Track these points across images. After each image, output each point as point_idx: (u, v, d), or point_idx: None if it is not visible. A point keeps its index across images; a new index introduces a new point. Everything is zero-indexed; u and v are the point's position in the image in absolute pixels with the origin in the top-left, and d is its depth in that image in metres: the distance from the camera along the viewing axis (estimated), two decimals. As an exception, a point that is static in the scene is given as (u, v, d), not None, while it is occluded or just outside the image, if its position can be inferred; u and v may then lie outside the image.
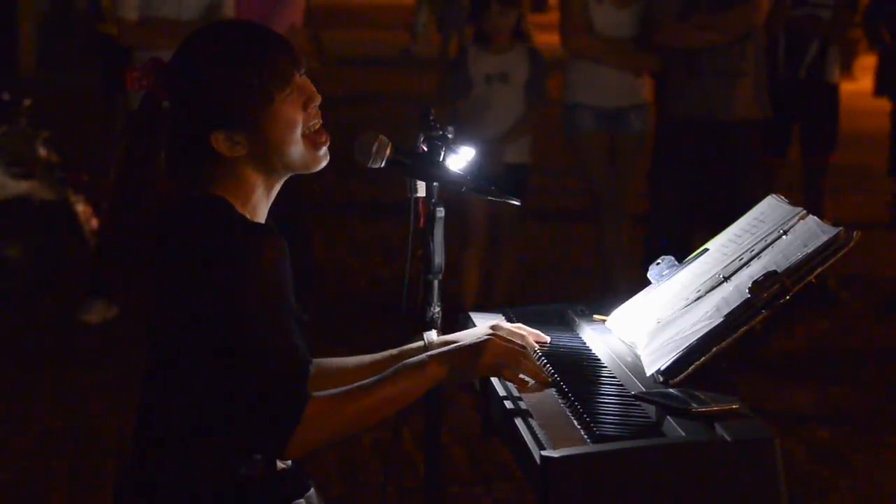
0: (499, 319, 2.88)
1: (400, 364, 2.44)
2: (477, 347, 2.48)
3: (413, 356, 2.62)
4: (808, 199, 7.30)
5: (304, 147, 2.42)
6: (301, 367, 2.31)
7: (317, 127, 2.44)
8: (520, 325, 2.73)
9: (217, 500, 2.36)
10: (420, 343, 2.65)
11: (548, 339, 2.72)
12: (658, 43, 6.27)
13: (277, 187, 2.47)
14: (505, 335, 2.58)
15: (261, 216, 2.45)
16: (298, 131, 2.41)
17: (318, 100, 2.44)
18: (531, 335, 2.70)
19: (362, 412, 2.38)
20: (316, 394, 2.32)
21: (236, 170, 2.41)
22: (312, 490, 2.48)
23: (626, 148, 6.53)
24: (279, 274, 2.31)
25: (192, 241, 2.34)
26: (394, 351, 2.69)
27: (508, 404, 2.48)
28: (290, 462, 2.43)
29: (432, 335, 2.65)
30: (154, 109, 2.41)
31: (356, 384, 2.39)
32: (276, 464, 2.39)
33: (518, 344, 2.54)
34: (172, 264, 2.36)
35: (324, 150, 2.45)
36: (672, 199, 6.32)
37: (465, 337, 2.65)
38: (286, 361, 2.29)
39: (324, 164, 2.48)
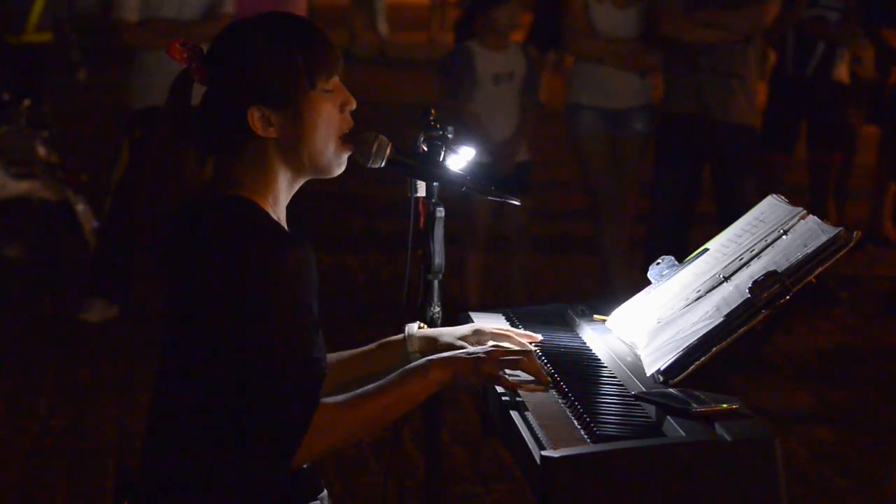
0: (499, 319, 2.89)
1: (403, 369, 2.44)
2: (478, 357, 2.46)
3: (393, 349, 2.65)
4: (813, 197, 7.31)
5: (334, 149, 2.43)
6: (315, 378, 2.30)
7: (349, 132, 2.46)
8: (504, 327, 2.74)
9: (233, 501, 2.36)
10: (400, 336, 2.66)
11: (539, 336, 2.72)
12: (662, 35, 6.27)
13: (295, 188, 2.47)
14: (489, 338, 2.60)
15: (281, 214, 2.44)
16: (333, 129, 2.42)
17: (354, 105, 2.46)
18: (520, 336, 2.70)
19: (367, 418, 2.37)
20: (322, 401, 2.31)
21: (263, 156, 2.40)
22: (326, 492, 2.48)
23: (627, 149, 6.54)
24: (303, 282, 2.30)
25: (216, 243, 2.33)
26: (373, 346, 2.70)
27: (508, 404, 2.48)
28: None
29: (413, 327, 2.66)
30: (186, 88, 2.41)
31: (360, 391, 2.38)
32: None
33: (515, 351, 2.52)
34: (194, 265, 2.35)
35: (346, 156, 2.47)
36: (669, 195, 6.32)
37: (446, 333, 2.66)
38: (302, 372, 2.28)
39: (341, 171, 2.48)
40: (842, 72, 7.31)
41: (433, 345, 2.63)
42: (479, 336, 2.65)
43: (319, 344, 2.36)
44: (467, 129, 6.29)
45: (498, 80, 6.43)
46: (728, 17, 6.10)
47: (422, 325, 2.69)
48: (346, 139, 2.45)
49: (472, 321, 2.85)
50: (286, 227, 2.44)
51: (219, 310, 2.30)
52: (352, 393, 2.38)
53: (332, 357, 2.68)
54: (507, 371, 2.48)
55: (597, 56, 6.42)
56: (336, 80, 2.43)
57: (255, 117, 2.38)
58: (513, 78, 6.46)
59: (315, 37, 2.42)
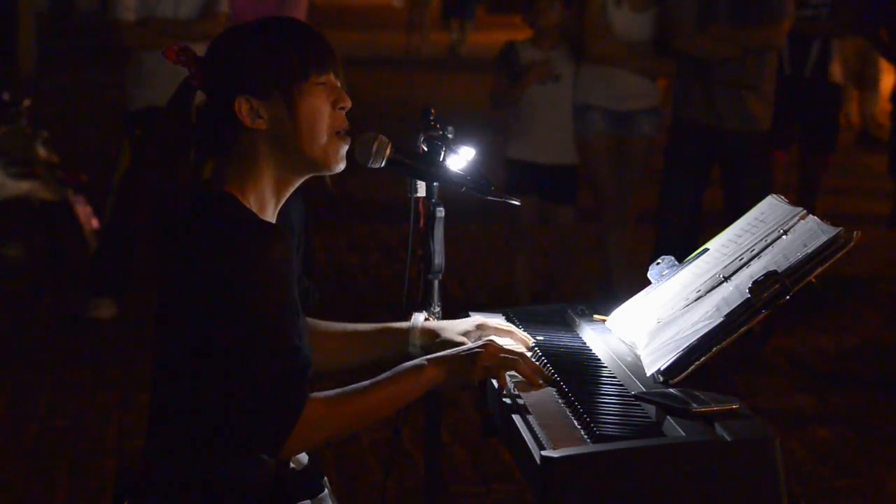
0: (499, 319, 2.89)
1: (399, 366, 2.45)
2: (475, 353, 2.49)
3: (394, 337, 2.67)
4: (803, 197, 7.30)
5: (327, 141, 2.42)
6: (301, 369, 2.31)
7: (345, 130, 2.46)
8: (503, 322, 2.75)
9: (231, 499, 2.36)
10: (404, 325, 2.66)
11: (531, 340, 2.73)
12: (674, 49, 6.26)
13: (290, 189, 2.46)
14: (493, 333, 2.63)
15: (269, 213, 2.43)
16: (324, 124, 2.41)
17: (349, 104, 2.45)
18: (521, 334, 2.72)
19: (359, 413, 2.39)
20: (314, 395, 2.33)
21: (252, 151, 2.39)
22: (326, 491, 2.48)
23: (633, 151, 6.53)
24: (284, 273, 2.31)
25: (198, 240, 2.33)
26: (376, 327, 2.72)
27: (508, 404, 2.48)
28: (306, 461, 2.44)
29: (419, 318, 2.66)
30: (186, 98, 2.41)
31: (353, 386, 2.40)
32: (288, 463, 2.40)
33: (510, 351, 2.54)
34: (180, 261, 2.36)
35: (344, 150, 2.45)
36: (678, 202, 6.31)
37: (448, 326, 2.68)
38: (286, 363, 2.29)
39: (342, 166, 2.47)
40: (836, 71, 7.33)
41: (434, 340, 2.65)
42: (481, 331, 2.67)
43: (302, 332, 2.36)
44: (511, 134, 6.44)
45: (545, 82, 6.42)
46: (744, 35, 6.07)
47: (428, 316, 2.70)
48: (342, 133, 2.44)
49: (472, 321, 2.86)
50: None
51: (201, 306, 2.30)
52: (345, 388, 2.39)
53: (336, 326, 2.69)
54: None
55: (616, 59, 6.40)
56: (331, 77, 2.42)
57: (242, 108, 2.37)
58: (559, 79, 6.44)
59: (308, 34, 2.42)
